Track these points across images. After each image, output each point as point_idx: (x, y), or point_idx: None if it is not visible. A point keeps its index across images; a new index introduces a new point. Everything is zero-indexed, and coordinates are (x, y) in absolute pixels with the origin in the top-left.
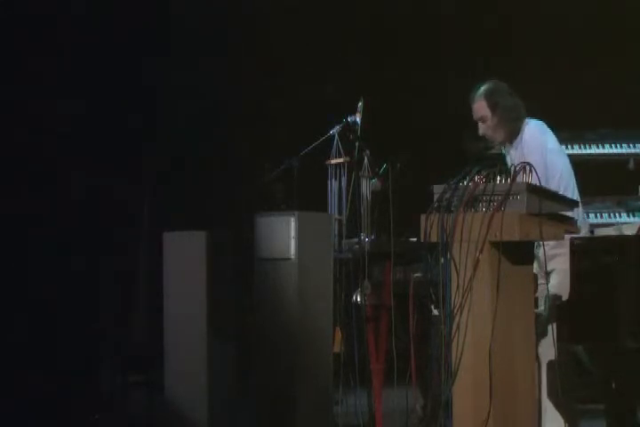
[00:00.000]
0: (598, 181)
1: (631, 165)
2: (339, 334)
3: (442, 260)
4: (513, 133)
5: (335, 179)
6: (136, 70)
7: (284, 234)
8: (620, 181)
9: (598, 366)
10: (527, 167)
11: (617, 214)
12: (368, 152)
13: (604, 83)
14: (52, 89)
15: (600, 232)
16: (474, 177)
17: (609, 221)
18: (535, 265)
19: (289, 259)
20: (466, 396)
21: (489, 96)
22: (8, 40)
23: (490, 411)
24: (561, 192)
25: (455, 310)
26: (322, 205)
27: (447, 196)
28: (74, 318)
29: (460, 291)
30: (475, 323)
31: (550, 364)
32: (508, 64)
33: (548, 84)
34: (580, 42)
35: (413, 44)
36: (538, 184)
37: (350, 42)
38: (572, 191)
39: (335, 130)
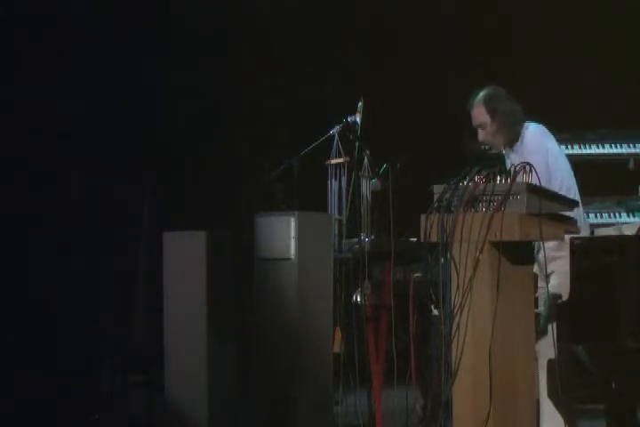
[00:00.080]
0: (598, 181)
1: (631, 165)
2: (339, 334)
3: (442, 260)
4: (513, 138)
5: (335, 179)
6: (136, 70)
7: (284, 234)
8: (620, 181)
9: (598, 366)
10: (527, 167)
11: (617, 214)
12: (368, 152)
13: (604, 83)
14: (52, 89)
15: (600, 232)
16: (474, 177)
17: (609, 221)
18: (535, 268)
19: (289, 259)
20: (466, 396)
21: (487, 102)
22: (8, 40)
23: (490, 411)
24: (563, 194)
25: (455, 310)
26: (322, 205)
27: (447, 196)
28: (74, 318)
29: (460, 291)
30: (475, 323)
31: (550, 364)
32: (508, 64)
33: (548, 84)
34: (580, 42)
35: (413, 44)
36: (538, 184)
37: (350, 42)
38: (573, 193)
39: (335, 130)
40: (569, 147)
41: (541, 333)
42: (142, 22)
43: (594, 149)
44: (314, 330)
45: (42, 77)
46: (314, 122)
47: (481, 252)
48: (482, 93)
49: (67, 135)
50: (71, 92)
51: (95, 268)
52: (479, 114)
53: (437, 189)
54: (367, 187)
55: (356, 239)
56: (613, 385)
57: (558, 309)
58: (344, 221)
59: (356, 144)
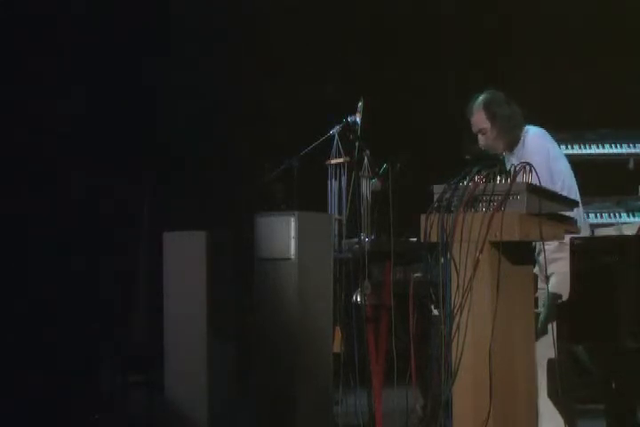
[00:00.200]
0: (598, 181)
1: (631, 165)
2: (339, 334)
3: (442, 260)
4: (513, 142)
5: (335, 179)
6: (136, 70)
7: (284, 234)
8: (620, 181)
9: (598, 366)
10: (527, 167)
11: (617, 214)
12: (368, 152)
13: (604, 83)
14: (52, 89)
15: (600, 232)
16: (474, 177)
17: (609, 221)
18: (536, 269)
19: (289, 259)
20: (466, 396)
21: (487, 107)
22: (8, 40)
23: (490, 411)
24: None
25: (455, 310)
26: (322, 205)
27: (447, 196)
28: (74, 318)
29: (460, 291)
30: (475, 323)
31: (550, 364)
32: (508, 64)
33: (548, 84)
34: (580, 42)
35: (413, 44)
36: (538, 184)
37: (350, 42)
38: (574, 194)
39: (335, 130)
40: (569, 147)
41: (541, 333)
42: (142, 22)
43: (594, 149)
44: (314, 330)
45: (42, 77)
46: (314, 122)
47: (481, 252)
48: (480, 99)
49: (67, 135)
50: (71, 92)
51: (95, 268)
52: (479, 120)
53: (437, 189)
54: (367, 187)
55: (355, 239)
56: (613, 385)
57: (558, 309)
58: (344, 221)
59: (356, 144)
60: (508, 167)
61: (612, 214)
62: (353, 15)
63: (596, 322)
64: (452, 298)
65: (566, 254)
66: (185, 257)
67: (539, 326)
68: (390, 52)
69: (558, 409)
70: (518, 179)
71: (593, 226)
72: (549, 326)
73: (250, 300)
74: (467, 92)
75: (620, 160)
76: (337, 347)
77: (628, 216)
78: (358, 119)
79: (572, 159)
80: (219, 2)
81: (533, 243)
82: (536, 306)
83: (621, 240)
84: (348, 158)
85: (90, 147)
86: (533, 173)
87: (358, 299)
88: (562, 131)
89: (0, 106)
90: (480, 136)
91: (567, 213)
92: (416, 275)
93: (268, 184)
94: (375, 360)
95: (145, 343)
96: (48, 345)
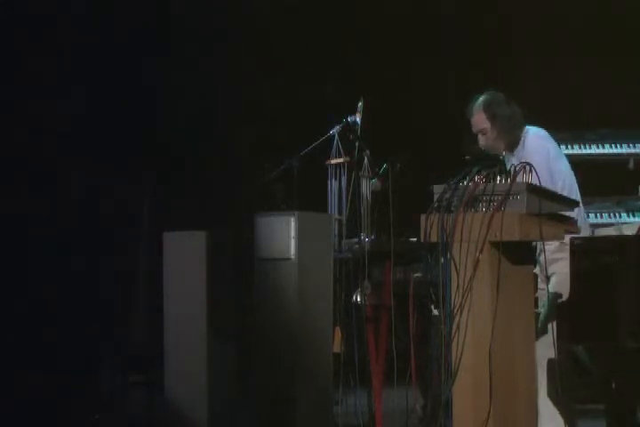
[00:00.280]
0: (598, 181)
1: (631, 165)
2: (339, 334)
3: (442, 260)
4: (513, 143)
5: (335, 179)
6: (136, 70)
7: (284, 234)
8: (620, 181)
9: (598, 366)
10: (527, 167)
11: (617, 214)
12: (368, 152)
13: (604, 83)
14: (52, 89)
15: (600, 232)
16: (474, 177)
17: (609, 221)
18: (536, 270)
19: (289, 259)
20: (466, 396)
21: (487, 108)
22: (8, 40)
23: (490, 411)
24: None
25: (455, 310)
26: (322, 205)
27: (447, 196)
28: (74, 318)
29: (460, 291)
30: (475, 323)
31: (550, 364)
32: (508, 64)
33: (548, 84)
34: (580, 42)
35: (413, 44)
36: (538, 184)
37: (350, 42)
38: (575, 194)
39: (335, 130)
40: (569, 147)
41: (541, 333)
42: (142, 22)
43: (594, 149)
44: (314, 330)
45: (42, 77)
46: (314, 122)
47: (481, 252)
48: (480, 99)
49: (67, 135)
50: (71, 92)
51: (95, 268)
52: (479, 120)
53: (437, 189)
54: (367, 187)
55: (355, 239)
56: (613, 385)
57: (558, 309)
58: (344, 221)
59: (356, 144)
60: (508, 167)
61: (611, 214)
62: (353, 15)
63: (596, 322)
64: (452, 298)
65: (567, 255)
66: (185, 257)
67: (539, 326)
68: (390, 52)
69: (558, 409)
70: (518, 179)
71: (593, 226)
72: (549, 326)
73: (250, 300)
74: (467, 92)
75: (620, 160)
76: (337, 347)
77: (628, 216)
78: (358, 119)
79: (572, 159)
80: (219, 2)
81: (534, 243)
82: (536, 306)
83: (621, 240)
84: (348, 158)
85: (90, 147)
86: (533, 173)
87: (358, 299)
88: (562, 131)
89: (0, 106)
90: (480, 137)
91: (568, 213)
92: (416, 275)
93: (267, 184)
94: (375, 360)
95: (145, 343)
96: (48, 345)
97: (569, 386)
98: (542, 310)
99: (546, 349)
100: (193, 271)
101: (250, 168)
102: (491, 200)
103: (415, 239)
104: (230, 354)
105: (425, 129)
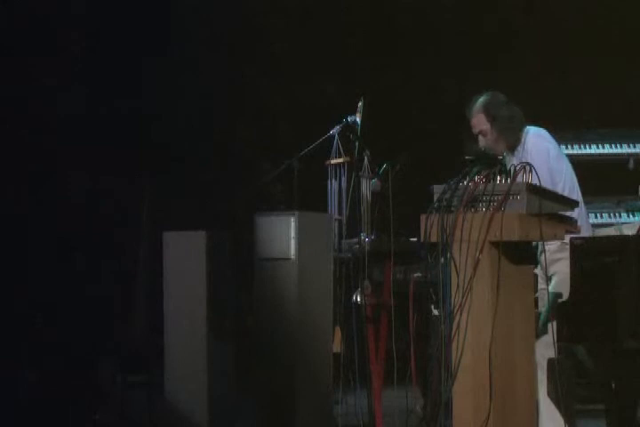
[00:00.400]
0: (598, 181)
1: (631, 165)
2: (339, 334)
3: (442, 260)
4: (514, 143)
5: (335, 179)
6: (136, 70)
7: (284, 234)
8: (620, 181)
9: (598, 366)
10: (527, 167)
11: (617, 214)
12: (368, 152)
13: (604, 83)
14: (52, 89)
15: (600, 232)
16: (474, 177)
17: (609, 221)
18: (537, 270)
19: (289, 259)
20: (466, 396)
21: (487, 109)
22: (8, 40)
23: (490, 411)
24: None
25: (455, 310)
26: (322, 205)
27: (447, 196)
28: (74, 318)
29: (460, 291)
30: (475, 323)
31: (550, 364)
32: (509, 64)
33: (549, 84)
34: (580, 42)
35: (413, 44)
36: (538, 184)
37: (350, 42)
38: (576, 194)
39: (335, 130)
40: (569, 147)
41: (541, 333)
42: (142, 22)
43: (594, 149)
44: (314, 330)
45: (42, 77)
46: (314, 122)
47: (481, 252)
48: (480, 100)
49: (67, 135)
50: (71, 92)
51: (95, 268)
52: (479, 121)
53: (437, 189)
54: (367, 187)
55: (355, 239)
56: (613, 385)
57: (558, 309)
58: (344, 221)
59: (356, 144)
60: (508, 167)
61: (611, 214)
62: (353, 15)
63: (595, 322)
64: (452, 298)
65: (567, 255)
66: (185, 257)
67: (539, 325)
68: (390, 51)
69: (558, 409)
70: (518, 179)
71: (593, 226)
72: (549, 326)
73: (250, 300)
74: (467, 92)
75: (620, 160)
76: (337, 347)
77: (628, 216)
78: (358, 119)
79: (572, 159)
80: (219, 2)
81: (534, 243)
82: (536, 306)
83: (621, 240)
84: (348, 158)
85: (90, 147)
86: (533, 173)
87: (358, 299)
88: (562, 131)
89: (0, 106)
90: (480, 137)
91: (569, 213)
92: (416, 275)
93: (267, 184)
94: (375, 360)
95: (145, 343)
96: (48, 345)
97: (569, 386)
98: (542, 309)
99: (546, 349)
100: (193, 271)
101: (249, 168)
102: (491, 200)
103: (415, 239)
104: (230, 354)
105: (425, 129)
